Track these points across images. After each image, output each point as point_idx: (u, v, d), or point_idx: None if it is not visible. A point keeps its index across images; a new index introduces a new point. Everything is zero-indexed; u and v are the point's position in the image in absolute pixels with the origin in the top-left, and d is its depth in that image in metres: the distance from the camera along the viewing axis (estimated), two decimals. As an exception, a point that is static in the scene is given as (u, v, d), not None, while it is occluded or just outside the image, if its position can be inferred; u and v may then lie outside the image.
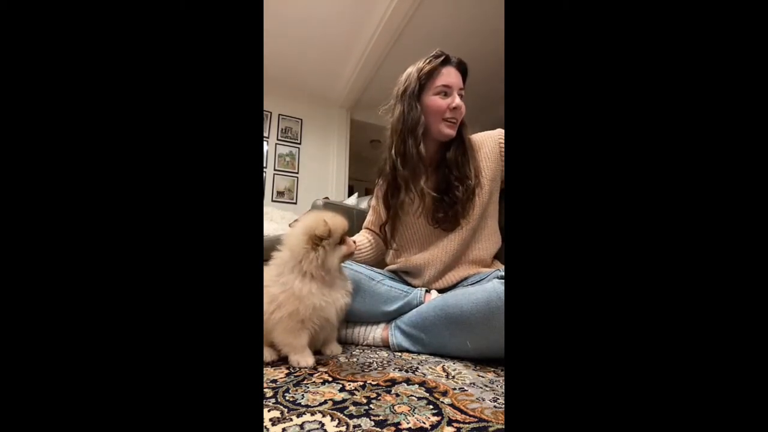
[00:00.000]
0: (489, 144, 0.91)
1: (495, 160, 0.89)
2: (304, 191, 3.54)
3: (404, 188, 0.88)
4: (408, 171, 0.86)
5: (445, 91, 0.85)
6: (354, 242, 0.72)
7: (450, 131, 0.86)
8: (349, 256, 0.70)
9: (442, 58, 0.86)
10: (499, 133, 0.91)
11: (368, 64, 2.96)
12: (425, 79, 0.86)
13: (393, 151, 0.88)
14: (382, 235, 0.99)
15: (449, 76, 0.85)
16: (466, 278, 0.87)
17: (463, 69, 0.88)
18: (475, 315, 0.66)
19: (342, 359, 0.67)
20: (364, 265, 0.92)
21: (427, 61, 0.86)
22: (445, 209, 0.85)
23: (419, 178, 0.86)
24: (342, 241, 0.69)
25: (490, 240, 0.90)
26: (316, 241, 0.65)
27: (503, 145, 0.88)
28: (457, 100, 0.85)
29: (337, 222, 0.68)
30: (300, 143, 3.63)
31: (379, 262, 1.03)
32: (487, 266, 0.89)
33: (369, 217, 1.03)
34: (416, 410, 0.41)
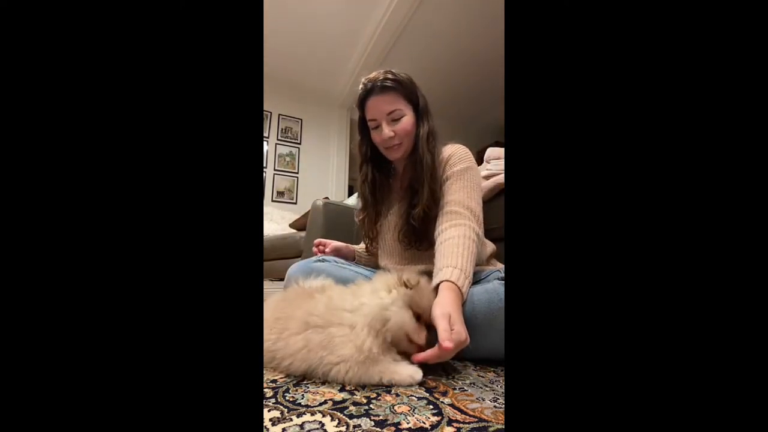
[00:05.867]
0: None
1: None
2: (304, 191, 3.54)
3: (380, 215, 0.91)
4: (375, 198, 0.90)
5: (375, 125, 0.84)
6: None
7: (393, 155, 0.86)
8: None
9: (364, 90, 0.83)
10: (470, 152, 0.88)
11: (368, 64, 2.96)
12: (361, 111, 0.87)
13: (361, 179, 0.92)
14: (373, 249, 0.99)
15: (372, 109, 0.83)
16: None
17: (388, 88, 0.81)
18: (476, 316, 0.66)
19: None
20: (362, 266, 0.92)
21: (360, 89, 0.84)
22: (407, 234, 0.83)
23: (385, 203, 0.91)
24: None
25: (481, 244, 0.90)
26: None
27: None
28: (385, 132, 0.82)
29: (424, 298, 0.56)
30: (300, 143, 3.64)
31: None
32: (482, 264, 0.89)
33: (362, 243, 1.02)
34: (416, 410, 0.41)
